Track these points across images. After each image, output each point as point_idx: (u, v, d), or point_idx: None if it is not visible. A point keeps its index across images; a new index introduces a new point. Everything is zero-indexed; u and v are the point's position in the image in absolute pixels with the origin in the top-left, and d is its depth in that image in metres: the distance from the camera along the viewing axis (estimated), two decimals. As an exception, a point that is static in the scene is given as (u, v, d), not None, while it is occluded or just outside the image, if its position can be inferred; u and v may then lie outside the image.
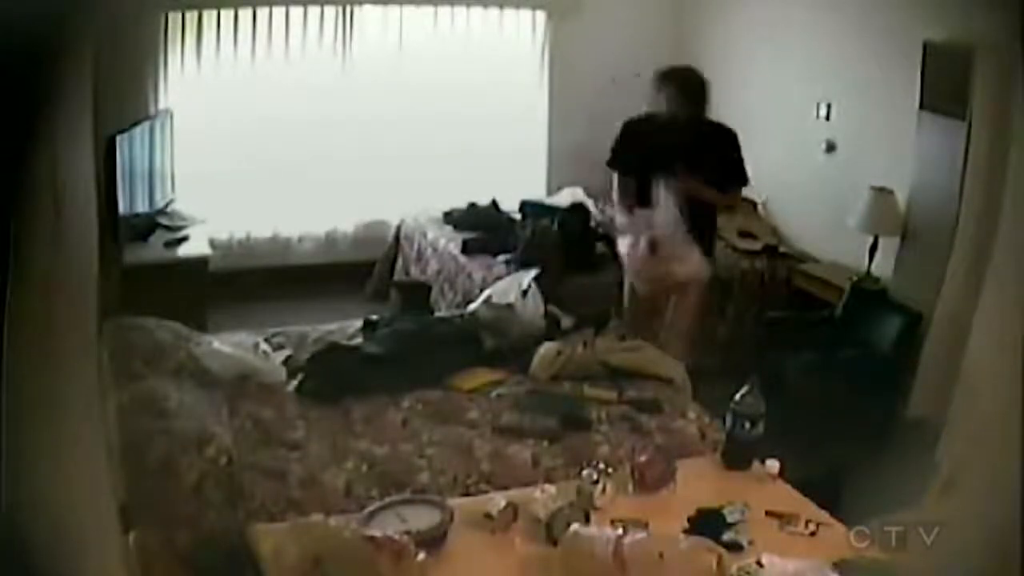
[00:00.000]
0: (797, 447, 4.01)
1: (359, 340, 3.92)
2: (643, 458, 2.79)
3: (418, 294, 4.82)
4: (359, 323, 4.12)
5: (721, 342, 5.28)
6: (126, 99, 5.23)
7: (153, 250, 5.12)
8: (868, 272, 4.99)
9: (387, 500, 2.64)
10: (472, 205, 5.97)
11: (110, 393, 3.04)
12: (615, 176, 4.51)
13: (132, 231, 5.07)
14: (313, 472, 3.01)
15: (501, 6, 6.32)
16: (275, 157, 5.98)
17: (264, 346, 3.76)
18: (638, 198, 4.33)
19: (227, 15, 5.68)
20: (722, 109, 6.44)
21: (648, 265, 4.39)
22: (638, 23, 6.59)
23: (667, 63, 6.64)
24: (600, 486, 2.58)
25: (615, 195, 4.54)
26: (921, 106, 4.66)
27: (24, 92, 0.95)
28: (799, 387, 4.41)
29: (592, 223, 5.61)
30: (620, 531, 2.29)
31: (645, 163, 4.31)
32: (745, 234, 5.79)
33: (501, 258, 5.24)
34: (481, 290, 4.69)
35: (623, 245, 4.53)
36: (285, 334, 4.05)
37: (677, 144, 4.28)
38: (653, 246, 4.30)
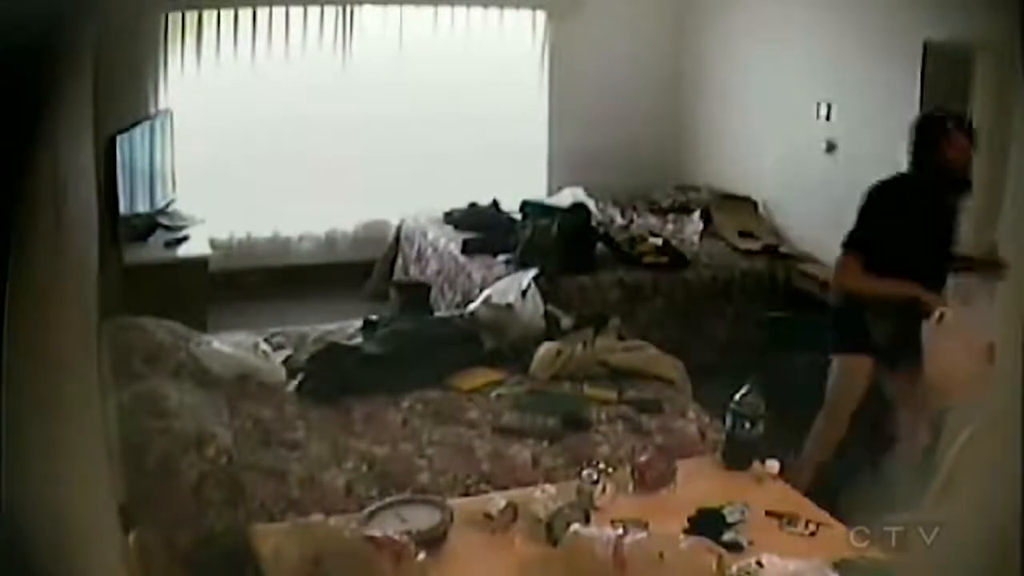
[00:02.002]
0: (797, 447, 4.02)
1: (359, 340, 3.92)
2: (643, 458, 2.79)
3: (418, 294, 4.83)
4: (359, 323, 4.12)
5: (721, 342, 5.28)
6: (126, 99, 5.23)
7: (153, 250, 5.12)
8: (868, 272, 4.99)
9: (387, 500, 2.64)
10: (472, 205, 5.97)
11: (110, 393, 3.04)
12: (851, 258, 3.71)
13: (132, 231, 5.08)
14: (313, 472, 3.01)
15: (501, 6, 6.32)
16: (275, 157, 5.98)
17: (264, 346, 3.76)
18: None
19: (227, 15, 5.69)
20: (722, 109, 6.48)
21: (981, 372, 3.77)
22: (638, 23, 6.59)
23: (668, 63, 6.73)
24: (600, 486, 2.58)
25: (863, 278, 3.67)
26: (921, 106, 4.66)
27: (24, 92, 0.95)
28: (799, 387, 4.40)
29: (593, 223, 5.61)
30: (620, 531, 2.29)
31: (922, 246, 3.62)
32: (745, 234, 5.79)
33: (501, 258, 5.24)
34: (481, 290, 4.69)
35: (950, 351, 3.39)
36: (285, 334, 4.05)
37: (947, 218, 3.71)
38: (992, 352, 3.64)
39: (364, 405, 3.46)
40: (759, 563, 2.21)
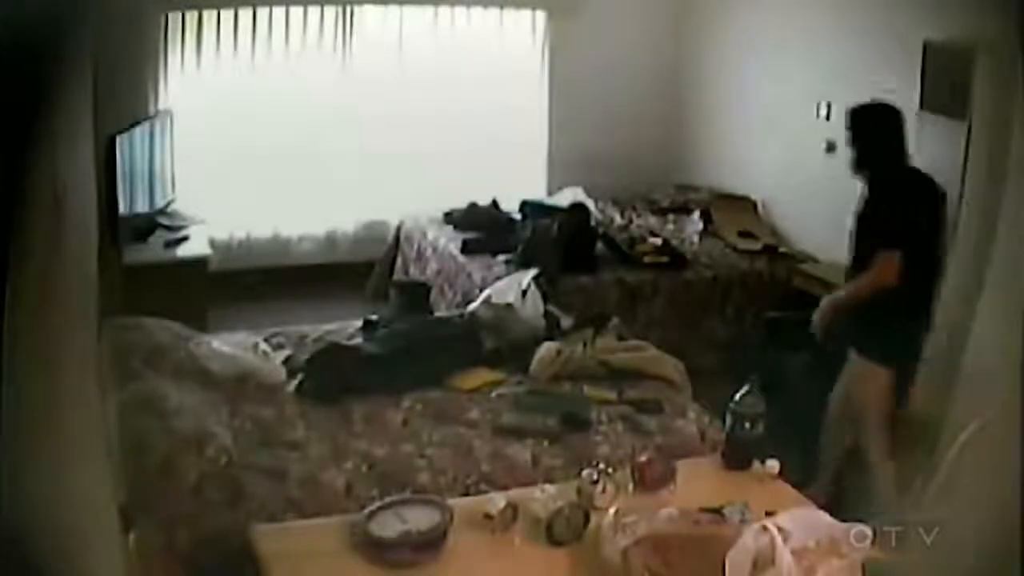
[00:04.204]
0: (797, 447, 4.02)
1: (359, 340, 3.92)
2: (643, 458, 2.78)
3: (418, 294, 4.83)
4: (359, 323, 4.13)
5: (721, 342, 5.28)
6: (126, 99, 5.23)
7: (153, 250, 5.12)
8: (868, 272, 4.99)
9: (387, 500, 2.63)
10: (472, 205, 5.97)
11: (110, 393, 3.04)
12: (883, 255, 3.71)
13: (132, 231, 5.08)
14: (313, 472, 3.01)
15: (501, 6, 6.33)
16: (275, 157, 5.98)
17: (264, 346, 3.76)
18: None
19: (227, 15, 5.69)
20: (722, 109, 6.48)
21: None
22: (638, 23, 6.60)
23: (668, 63, 6.73)
24: (600, 486, 2.58)
25: (881, 275, 3.72)
26: (921, 106, 4.66)
27: (24, 92, 0.95)
28: (799, 387, 4.41)
29: (592, 223, 5.61)
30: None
31: (916, 233, 3.72)
32: (745, 234, 5.79)
33: (501, 258, 5.25)
34: (481, 290, 4.69)
35: None
36: (285, 334, 4.05)
37: (927, 203, 3.82)
38: None
39: (364, 405, 3.46)
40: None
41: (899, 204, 3.75)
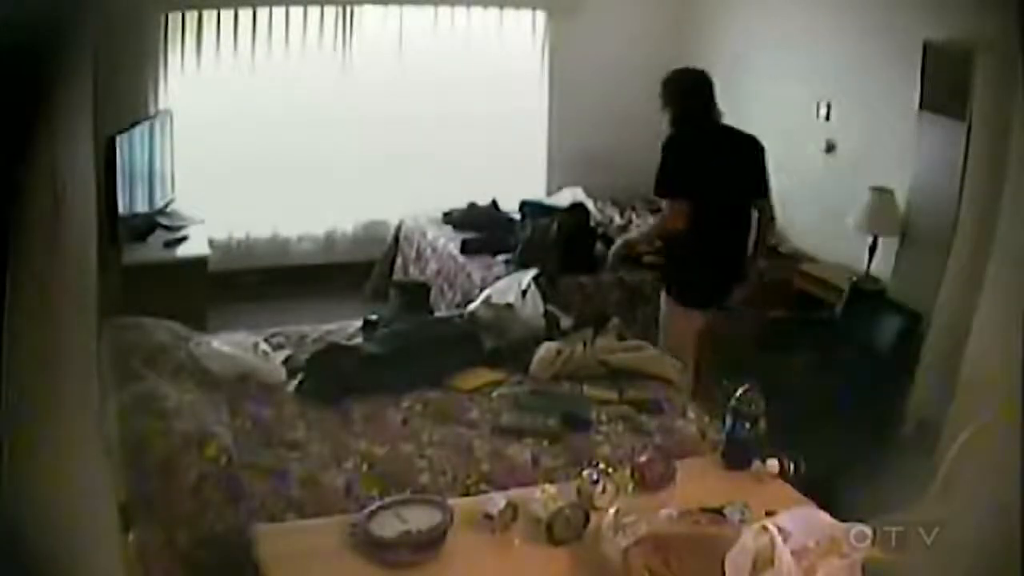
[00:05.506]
0: (797, 447, 4.01)
1: (359, 340, 3.92)
2: (643, 458, 2.78)
3: (417, 294, 4.83)
4: (359, 323, 4.13)
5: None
6: (126, 99, 5.23)
7: (152, 250, 5.12)
8: (868, 272, 4.99)
9: (387, 500, 2.63)
10: (472, 205, 5.97)
11: (110, 393, 3.04)
12: (667, 203, 4.16)
13: (131, 231, 5.08)
14: (313, 472, 3.01)
15: (501, 6, 6.33)
16: (275, 157, 5.98)
17: (264, 346, 3.76)
18: (690, 222, 4.05)
19: (227, 15, 5.69)
20: (722, 109, 6.47)
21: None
22: (638, 23, 6.60)
23: (668, 63, 6.70)
24: (600, 486, 2.58)
25: (667, 221, 4.19)
26: (921, 106, 4.66)
27: (24, 92, 0.95)
28: (799, 387, 4.41)
29: (592, 223, 5.61)
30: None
31: (708, 184, 4.06)
32: (745, 234, 5.78)
33: (500, 258, 5.25)
34: (480, 290, 4.69)
35: None
36: (285, 334, 4.05)
37: (733, 158, 4.18)
38: None
39: (364, 405, 3.46)
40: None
41: (681, 156, 4.10)
